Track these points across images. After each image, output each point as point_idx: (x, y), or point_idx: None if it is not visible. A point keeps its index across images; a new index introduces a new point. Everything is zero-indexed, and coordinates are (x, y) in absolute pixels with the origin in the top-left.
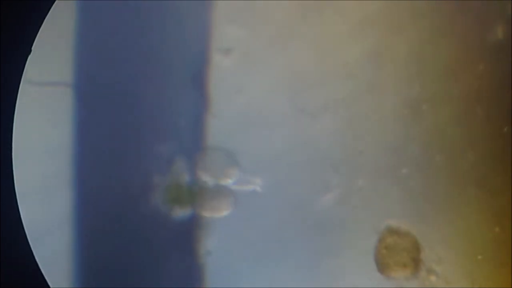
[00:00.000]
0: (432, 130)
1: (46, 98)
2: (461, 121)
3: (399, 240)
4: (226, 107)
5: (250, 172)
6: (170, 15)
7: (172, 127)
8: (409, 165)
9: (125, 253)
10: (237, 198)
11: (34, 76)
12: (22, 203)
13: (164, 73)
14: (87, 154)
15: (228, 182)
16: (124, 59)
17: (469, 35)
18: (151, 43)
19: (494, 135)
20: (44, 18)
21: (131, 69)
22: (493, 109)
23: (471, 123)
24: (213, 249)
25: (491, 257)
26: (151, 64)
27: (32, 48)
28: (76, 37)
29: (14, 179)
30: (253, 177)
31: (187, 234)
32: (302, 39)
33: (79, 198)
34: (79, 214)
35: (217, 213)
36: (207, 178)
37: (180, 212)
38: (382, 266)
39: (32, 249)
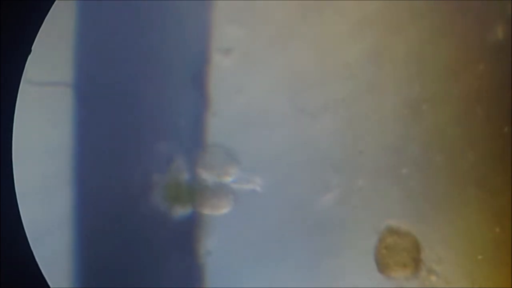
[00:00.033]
0: (432, 130)
1: (46, 98)
2: (461, 121)
3: (399, 240)
4: (226, 107)
5: (250, 171)
6: (170, 15)
7: (172, 127)
8: (409, 165)
9: (125, 253)
10: (237, 198)
11: (34, 76)
12: (22, 203)
13: (164, 73)
14: (87, 154)
15: (228, 180)
16: (124, 59)
17: (469, 35)
18: (151, 43)
19: (494, 135)
20: (44, 18)
21: (131, 69)
22: (493, 109)
23: (471, 123)
24: (213, 249)
25: (491, 257)
26: (151, 64)
27: (32, 48)
28: (76, 37)
29: (14, 179)
30: (253, 177)
31: (187, 234)
32: (302, 39)
33: (79, 198)
34: (79, 214)
35: (217, 211)
36: (207, 176)
37: (180, 211)
38: (382, 266)
39: (32, 249)
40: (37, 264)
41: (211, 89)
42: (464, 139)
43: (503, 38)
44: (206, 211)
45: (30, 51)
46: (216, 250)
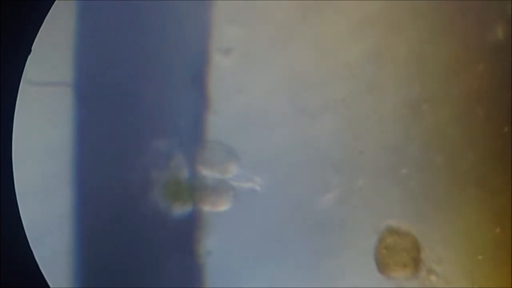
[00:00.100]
0: (432, 130)
1: (46, 98)
2: (461, 121)
3: (399, 240)
4: (226, 107)
5: (250, 171)
6: (170, 15)
7: (172, 127)
8: (409, 165)
9: (125, 253)
10: (237, 197)
11: (34, 76)
12: (22, 203)
13: (164, 73)
14: (87, 154)
15: (228, 176)
16: (124, 59)
17: (469, 35)
18: (151, 43)
19: (494, 135)
20: (44, 18)
21: (131, 69)
22: (493, 109)
23: (471, 123)
24: (213, 249)
25: (491, 257)
26: (151, 64)
27: (32, 48)
28: (76, 37)
29: (14, 179)
30: (253, 176)
31: (187, 234)
32: (302, 39)
33: (79, 198)
34: (79, 214)
35: (217, 208)
36: (206, 173)
37: (180, 208)
38: (382, 266)
39: (32, 249)
40: (37, 264)
41: (211, 89)
42: (464, 139)
43: (503, 38)
44: (206, 208)
45: (30, 51)
46: (216, 250)
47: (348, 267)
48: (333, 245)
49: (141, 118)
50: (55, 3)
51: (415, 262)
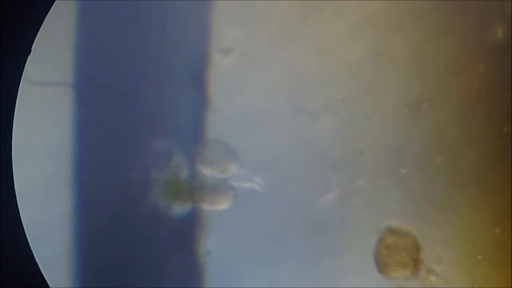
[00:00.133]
0: (432, 130)
1: (46, 98)
2: (461, 121)
3: (399, 240)
4: (226, 107)
5: (250, 171)
6: (170, 15)
7: (172, 127)
8: (409, 165)
9: (125, 253)
10: (237, 196)
11: (34, 76)
12: (22, 203)
13: (164, 73)
14: (87, 154)
15: (228, 175)
16: (124, 59)
17: (469, 35)
18: (151, 43)
19: (494, 135)
20: (44, 18)
21: (131, 69)
22: (493, 109)
23: (471, 123)
24: (213, 249)
25: (491, 257)
26: (151, 64)
27: (32, 48)
28: (76, 37)
29: (14, 179)
30: (253, 176)
31: (187, 234)
32: (302, 39)
33: (79, 198)
34: (79, 214)
35: (217, 206)
36: (206, 172)
37: (180, 207)
38: (382, 266)
39: (32, 249)
40: (37, 264)
41: (211, 89)
42: (464, 139)
43: (503, 38)
44: (206, 206)
45: (30, 51)
46: (216, 250)
47: (348, 267)
48: (333, 245)
49: (141, 118)
50: (55, 3)
51: (415, 262)
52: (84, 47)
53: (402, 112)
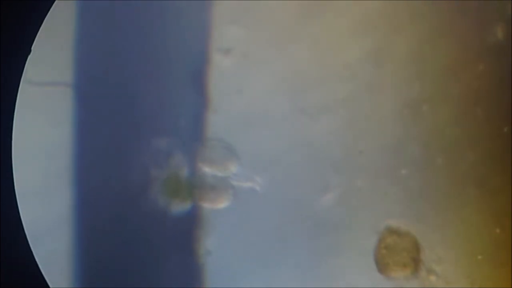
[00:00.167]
0: (432, 130)
1: (46, 98)
2: (460, 121)
3: (399, 240)
4: (226, 107)
5: (250, 171)
6: (170, 15)
7: (172, 127)
8: (409, 165)
9: (125, 253)
10: (237, 198)
11: (34, 76)
12: (22, 203)
13: (164, 73)
14: (87, 154)
15: (228, 174)
16: (124, 59)
17: (469, 35)
18: (151, 43)
19: (494, 135)
20: (44, 18)
21: (131, 69)
22: (493, 109)
23: (471, 123)
24: (213, 248)
25: (491, 257)
26: (151, 64)
27: (32, 48)
28: (76, 37)
29: (14, 179)
30: (252, 176)
31: (187, 234)
32: (302, 39)
33: (79, 198)
34: (79, 214)
35: (217, 205)
36: (206, 170)
37: (180, 206)
38: (382, 266)
39: (32, 249)
40: (37, 264)
41: (211, 89)
42: (464, 139)
43: (503, 38)
44: (206, 205)
45: (30, 51)
46: (216, 249)
47: (348, 267)
48: (333, 245)
49: (141, 118)
50: (55, 3)
51: (415, 262)
52: (84, 47)
53: (402, 112)
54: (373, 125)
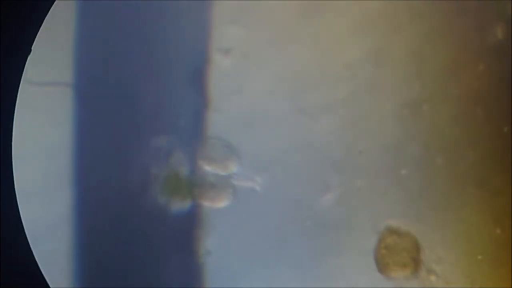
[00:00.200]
0: (432, 130)
1: (46, 98)
2: (460, 121)
3: (399, 240)
4: (226, 107)
5: (250, 171)
6: (170, 15)
7: (172, 126)
8: (409, 165)
9: (125, 253)
10: (236, 198)
11: (34, 76)
12: (22, 203)
13: (164, 73)
14: (87, 154)
15: (228, 173)
16: (124, 59)
17: (469, 35)
18: (151, 43)
19: (494, 135)
20: (44, 18)
21: (131, 69)
22: (493, 109)
23: (470, 123)
24: (213, 248)
25: (491, 257)
26: (151, 64)
27: (32, 48)
28: (76, 37)
29: (14, 179)
30: (252, 176)
31: (187, 233)
32: (302, 39)
33: (79, 198)
34: (79, 214)
35: (217, 203)
36: (206, 169)
37: (180, 204)
38: (382, 266)
39: (32, 249)
40: (37, 264)
41: (211, 89)
42: (464, 139)
43: (503, 38)
44: (206, 203)
45: (30, 51)
46: (216, 249)
47: (348, 267)
48: (333, 245)
49: (141, 117)
50: (55, 3)
51: (415, 262)
52: (84, 47)
53: (402, 112)
54: (373, 125)
